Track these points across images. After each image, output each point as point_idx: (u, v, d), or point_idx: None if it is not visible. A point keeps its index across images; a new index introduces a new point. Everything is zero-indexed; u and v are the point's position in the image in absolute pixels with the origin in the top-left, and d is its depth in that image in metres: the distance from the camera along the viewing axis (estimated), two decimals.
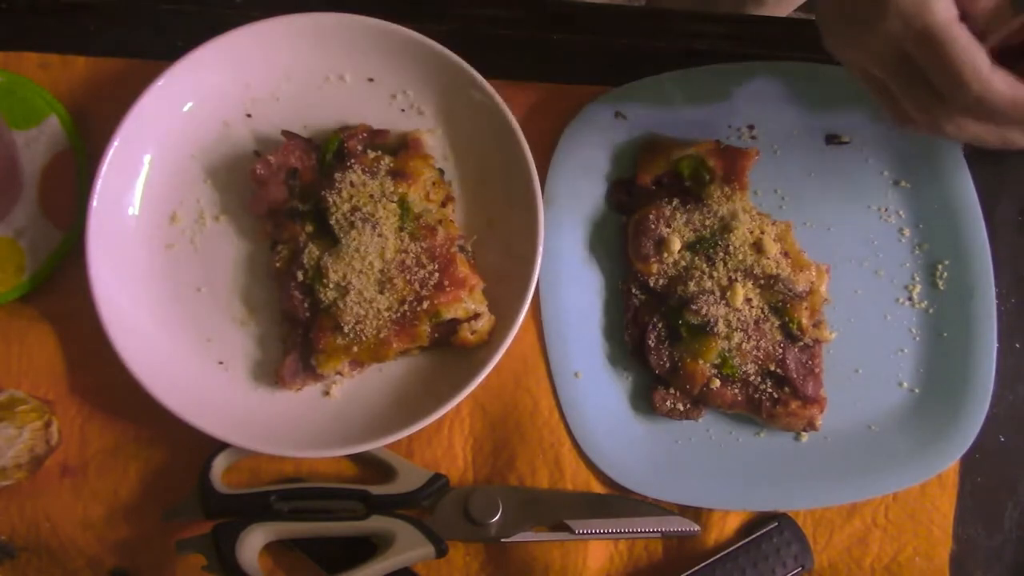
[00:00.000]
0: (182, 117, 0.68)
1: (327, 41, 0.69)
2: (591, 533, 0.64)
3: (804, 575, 0.65)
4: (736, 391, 0.65)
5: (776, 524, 0.65)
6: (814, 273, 0.66)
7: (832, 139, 0.72)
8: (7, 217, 0.67)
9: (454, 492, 0.65)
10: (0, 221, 0.67)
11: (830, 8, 0.54)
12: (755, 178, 0.69)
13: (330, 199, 0.64)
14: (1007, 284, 0.70)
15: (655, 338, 0.66)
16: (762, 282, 0.65)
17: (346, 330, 0.62)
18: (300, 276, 0.64)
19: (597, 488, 0.67)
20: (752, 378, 0.65)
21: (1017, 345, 0.70)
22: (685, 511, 0.66)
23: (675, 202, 0.68)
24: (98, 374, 0.65)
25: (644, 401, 0.68)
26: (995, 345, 0.67)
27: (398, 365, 0.67)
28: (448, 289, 0.63)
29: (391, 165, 0.66)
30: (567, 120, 0.70)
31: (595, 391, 0.68)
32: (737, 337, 0.65)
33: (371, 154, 0.66)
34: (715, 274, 0.65)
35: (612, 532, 0.65)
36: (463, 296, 0.63)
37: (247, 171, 0.67)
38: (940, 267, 0.70)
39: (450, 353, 0.66)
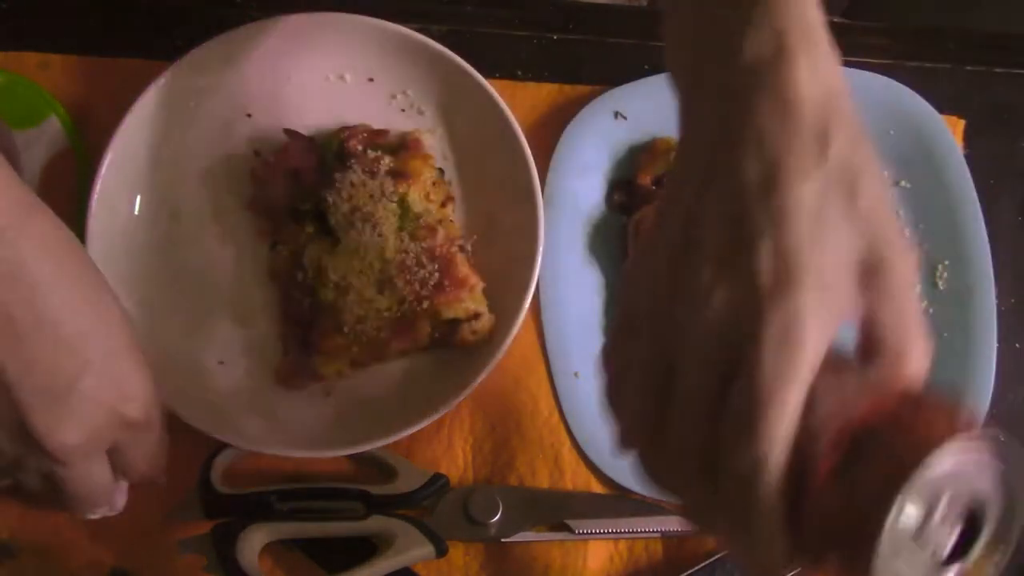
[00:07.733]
0: (182, 117, 0.68)
1: (327, 41, 0.69)
2: (591, 533, 0.64)
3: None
4: None
5: None
6: None
7: None
8: None
9: (454, 492, 0.65)
10: None
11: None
12: None
13: (330, 199, 0.64)
14: (1007, 284, 0.70)
15: None
16: None
17: (346, 330, 0.62)
18: (300, 276, 0.64)
19: (597, 488, 0.67)
20: None
21: (1017, 345, 0.70)
22: None
23: None
24: None
25: None
26: (995, 345, 0.67)
27: (398, 365, 0.66)
28: (448, 289, 0.63)
29: (391, 165, 0.66)
30: (567, 120, 0.70)
31: (595, 391, 0.67)
32: None
33: (371, 154, 0.66)
34: None
35: (612, 532, 0.65)
36: (463, 296, 0.63)
37: (247, 171, 0.67)
38: (940, 267, 0.69)
39: (450, 353, 0.66)
